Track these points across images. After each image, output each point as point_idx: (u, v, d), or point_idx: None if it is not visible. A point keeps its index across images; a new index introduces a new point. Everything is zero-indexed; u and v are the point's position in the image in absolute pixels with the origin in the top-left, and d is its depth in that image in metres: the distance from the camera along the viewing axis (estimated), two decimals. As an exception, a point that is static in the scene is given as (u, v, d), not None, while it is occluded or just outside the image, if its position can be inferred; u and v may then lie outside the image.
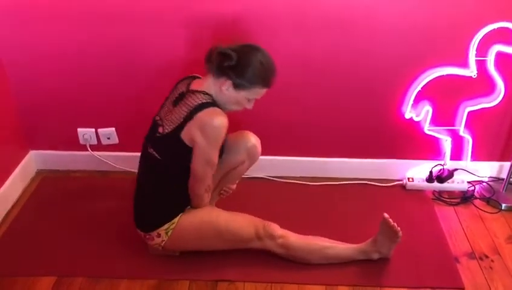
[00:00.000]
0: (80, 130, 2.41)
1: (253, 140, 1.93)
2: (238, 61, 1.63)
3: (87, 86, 2.28)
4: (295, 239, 1.88)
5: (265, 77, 1.68)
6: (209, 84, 1.70)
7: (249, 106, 1.76)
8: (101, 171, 2.50)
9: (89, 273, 1.89)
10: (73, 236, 2.06)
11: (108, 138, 2.42)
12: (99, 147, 2.45)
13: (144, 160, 1.85)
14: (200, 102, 1.66)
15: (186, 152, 1.70)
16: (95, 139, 2.43)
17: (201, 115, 1.64)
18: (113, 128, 2.40)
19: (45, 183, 2.42)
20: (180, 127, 1.67)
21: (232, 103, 1.73)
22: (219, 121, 1.65)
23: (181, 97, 1.72)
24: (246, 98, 1.71)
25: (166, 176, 1.79)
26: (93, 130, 2.40)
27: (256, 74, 1.65)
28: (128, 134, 2.41)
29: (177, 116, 1.69)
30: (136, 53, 2.18)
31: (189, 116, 1.65)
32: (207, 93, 1.70)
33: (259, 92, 1.71)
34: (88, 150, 2.45)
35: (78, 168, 2.51)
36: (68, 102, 2.33)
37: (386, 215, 1.85)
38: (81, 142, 2.43)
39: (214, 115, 1.65)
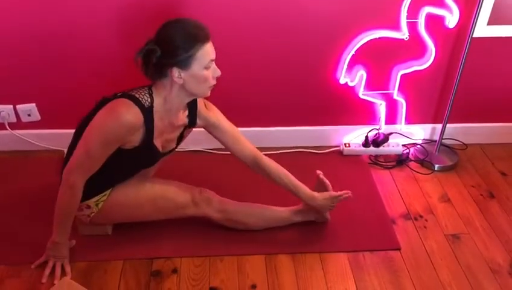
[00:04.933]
0: (-5, 107, 2.22)
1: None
2: (161, 46, 1.49)
3: (2, 57, 2.08)
4: (232, 203, 1.86)
5: (193, 34, 1.50)
6: (159, 90, 1.58)
7: (216, 73, 1.59)
8: (23, 151, 2.32)
9: (10, 260, 1.75)
10: (-7, 221, 1.91)
11: (29, 115, 2.24)
12: (19, 124, 2.27)
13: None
14: (130, 93, 1.55)
15: None
16: (14, 117, 2.24)
17: (115, 100, 1.55)
18: (34, 104, 2.22)
19: (-40, 167, 2.22)
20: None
21: (199, 83, 1.56)
22: (118, 113, 1.51)
23: None
24: (201, 68, 1.52)
25: None
26: (11, 106, 2.21)
27: (184, 39, 1.49)
28: (50, 110, 2.24)
29: None
30: (61, 22, 2.00)
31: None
32: (151, 95, 1.57)
33: (205, 52, 1.51)
34: (7, 129, 2.26)
35: (-3, 149, 2.32)
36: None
37: (318, 171, 1.93)
38: (-1, 120, 2.25)
39: (119, 105, 1.53)
